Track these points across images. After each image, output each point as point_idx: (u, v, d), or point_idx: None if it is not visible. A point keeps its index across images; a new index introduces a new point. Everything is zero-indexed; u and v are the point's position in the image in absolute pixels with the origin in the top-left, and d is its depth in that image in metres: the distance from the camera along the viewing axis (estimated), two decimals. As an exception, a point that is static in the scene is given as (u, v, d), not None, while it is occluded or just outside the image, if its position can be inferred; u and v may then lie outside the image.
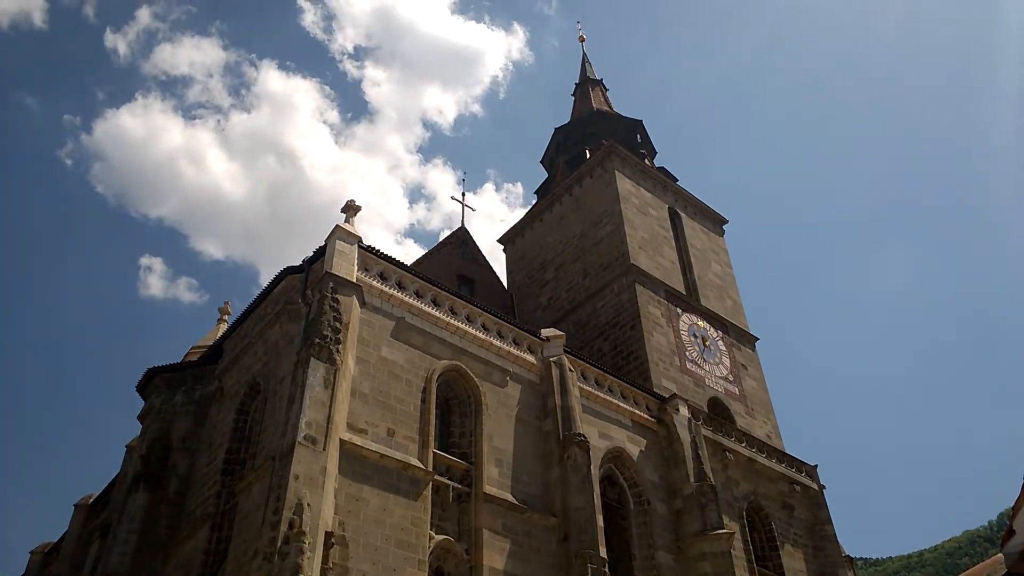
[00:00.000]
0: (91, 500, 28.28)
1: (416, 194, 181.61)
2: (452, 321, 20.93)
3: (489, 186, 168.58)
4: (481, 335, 21.43)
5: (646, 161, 38.64)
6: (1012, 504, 5.19)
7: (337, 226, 19.91)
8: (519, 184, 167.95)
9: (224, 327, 26.14)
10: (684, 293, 32.36)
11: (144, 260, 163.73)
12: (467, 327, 21.22)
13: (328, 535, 15.16)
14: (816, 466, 29.01)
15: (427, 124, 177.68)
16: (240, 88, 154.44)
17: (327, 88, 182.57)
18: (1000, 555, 4.70)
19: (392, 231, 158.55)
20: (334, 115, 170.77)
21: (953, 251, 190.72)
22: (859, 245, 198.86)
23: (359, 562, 15.80)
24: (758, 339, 33.75)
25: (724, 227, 38.65)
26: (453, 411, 20.42)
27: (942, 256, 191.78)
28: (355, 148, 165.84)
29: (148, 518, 19.31)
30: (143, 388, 22.35)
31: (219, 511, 18.38)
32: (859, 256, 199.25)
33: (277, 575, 13.65)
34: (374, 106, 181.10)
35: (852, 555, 28.64)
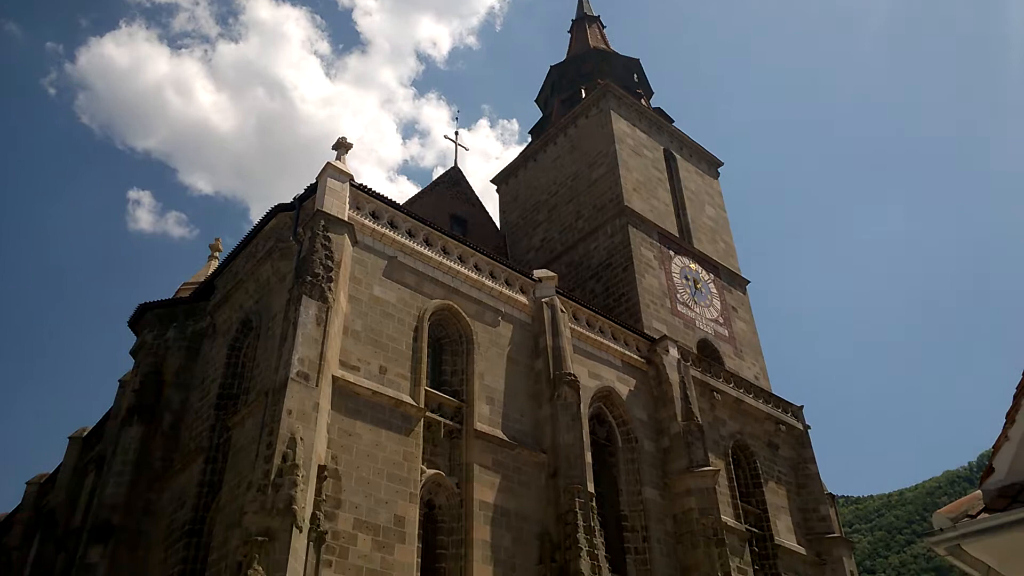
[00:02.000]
0: (85, 433, 28.60)
1: (410, 130, 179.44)
2: (444, 261, 20.91)
3: (484, 122, 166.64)
4: (473, 275, 21.45)
5: (642, 101, 38.15)
6: (991, 446, 5.30)
7: (328, 163, 19.70)
8: (514, 121, 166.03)
9: (215, 264, 26.05)
10: (677, 235, 32.37)
11: (132, 193, 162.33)
12: (459, 267, 21.22)
13: (321, 468, 15.42)
14: (802, 407, 29.52)
15: (421, 56, 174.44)
16: (228, 16, 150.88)
17: (318, 17, 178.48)
18: (978, 492, 4.82)
19: (385, 168, 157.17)
20: (325, 46, 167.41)
21: (950, 197, 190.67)
22: (857, 189, 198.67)
23: (352, 494, 16.11)
24: (749, 282, 33.95)
25: (719, 169, 38.45)
26: (445, 350, 20.57)
27: (939, 202, 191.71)
28: (347, 80, 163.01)
29: (142, 450, 19.58)
30: (135, 323, 22.38)
31: (213, 444, 18.63)
32: (856, 200, 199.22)
33: (271, 506, 13.92)
34: (366, 37, 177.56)
35: (834, 493, 29.37)
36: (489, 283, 21.74)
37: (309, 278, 17.04)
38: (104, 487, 19.31)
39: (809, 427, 29.15)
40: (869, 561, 79.90)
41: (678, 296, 29.89)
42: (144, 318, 22.05)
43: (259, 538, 13.43)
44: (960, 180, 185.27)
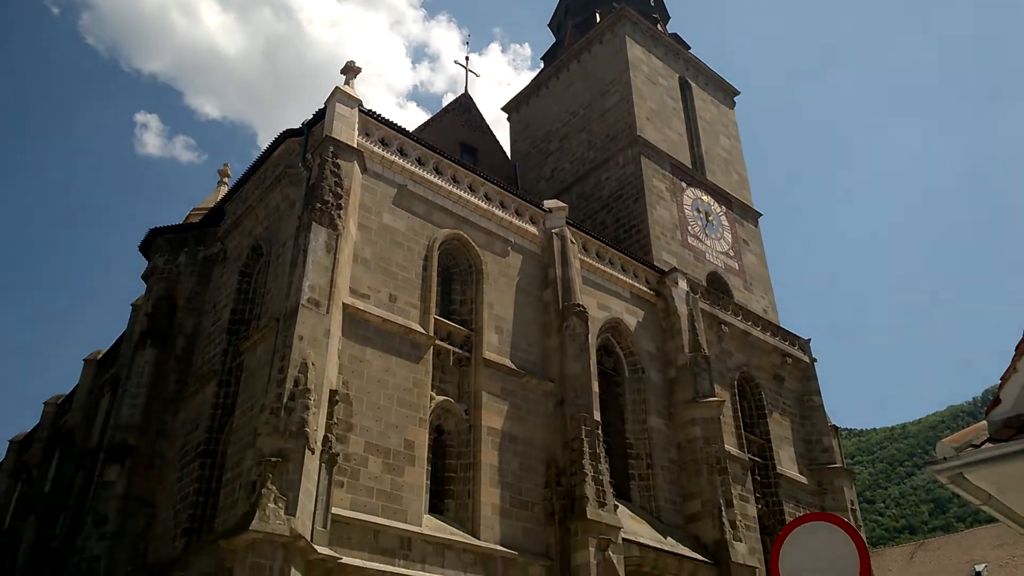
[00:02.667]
0: (99, 356, 29.10)
1: (419, 54, 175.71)
2: (454, 190, 20.78)
3: (495, 47, 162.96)
4: (483, 205, 21.34)
5: (658, 27, 37.15)
6: (997, 380, 5.31)
7: (337, 88, 19.40)
8: (527, 45, 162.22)
9: (224, 189, 25.98)
10: (690, 167, 31.95)
11: (139, 117, 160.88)
12: (469, 196, 21.10)
13: (332, 393, 15.69)
14: (809, 340, 29.67)
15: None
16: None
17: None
18: (983, 422, 4.86)
19: (394, 93, 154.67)
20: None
21: (969, 128, 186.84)
22: (874, 118, 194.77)
23: (363, 419, 16.43)
24: (761, 215, 33.67)
25: (735, 99, 37.67)
26: (454, 279, 20.64)
27: (958, 132, 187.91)
28: (354, 0, 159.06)
29: (156, 373, 19.94)
30: (146, 248, 22.50)
31: (225, 368, 18.93)
32: (872, 130, 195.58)
33: (284, 429, 14.22)
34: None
35: (837, 425, 29.75)
36: (499, 213, 21.64)
37: (319, 205, 17.01)
38: (119, 408, 19.74)
39: (815, 360, 29.36)
40: (869, 492, 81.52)
41: (689, 228, 29.71)
42: (155, 243, 22.15)
43: (273, 459, 13.76)
44: (984, 109, 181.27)
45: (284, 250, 17.92)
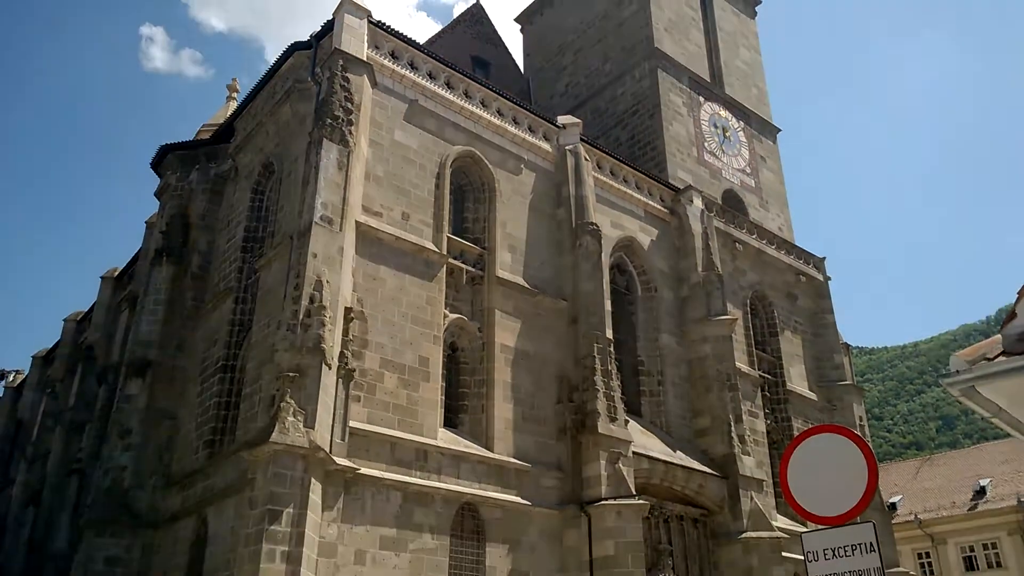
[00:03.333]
0: (116, 273, 29.42)
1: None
2: (466, 105, 20.41)
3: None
4: (496, 121, 20.98)
5: (677, -68, 35.57)
6: (1011, 301, 5.26)
7: (345, -1, 18.85)
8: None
9: (233, 105, 25.64)
10: (708, 80, 31.14)
11: (144, 29, 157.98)
12: (482, 112, 20.73)
13: (347, 310, 15.84)
14: (824, 259, 29.54)
15: None
16: None
17: None
18: (997, 336, 4.85)
19: (403, 3, 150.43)
20: None
21: (996, 43, 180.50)
22: (900, 30, 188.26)
23: (377, 336, 16.64)
24: (780, 131, 32.99)
25: (756, 8, 36.36)
26: (467, 197, 20.50)
27: (982, 46, 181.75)
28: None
29: (173, 290, 20.16)
30: (157, 165, 22.41)
31: (241, 285, 19.09)
32: (895, 42, 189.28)
33: (301, 345, 14.44)
34: None
35: (849, 343, 29.90)
36: (512, 129, 21.30)
37: (329, 121, 16.78)
38: (139, 325, 20.05)
39: (829, 278, 29.29)
40: (878, 409, 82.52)
41: (705, 145, 29.20)
42: (166, 160, 22.05)
43: (290, 374, 14.02)
44: (1013, 20, 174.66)
45: (296, 167, 17.80)
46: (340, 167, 16.56)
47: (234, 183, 21.34)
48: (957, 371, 4.63)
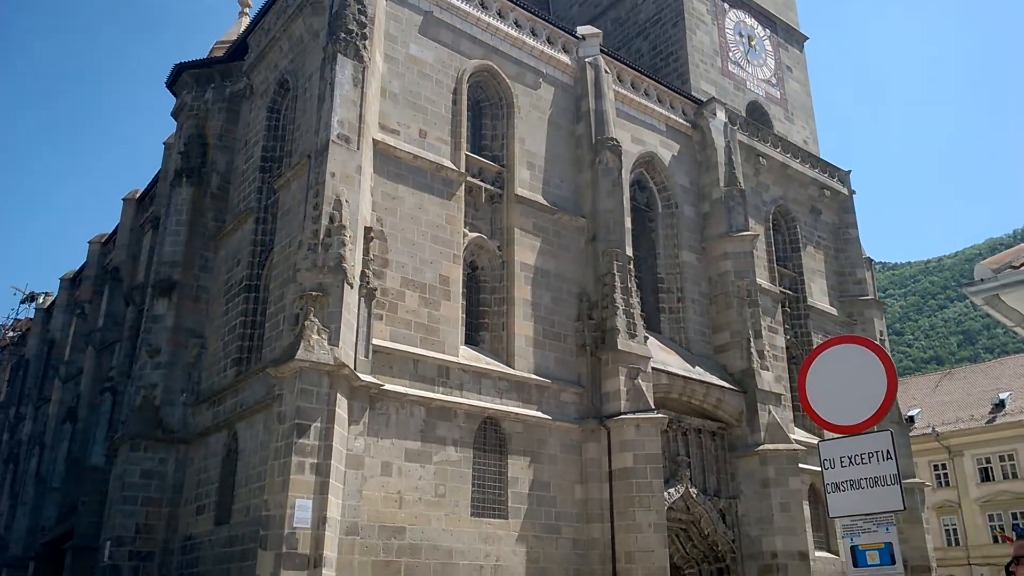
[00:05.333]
0: (138, 195, 29.56)
1: None
2: (483, 16, 19.86)
3: None
4: (513, 32, 20.43)
5: None
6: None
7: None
8: None
9: (246, 21, 25.11)
10: (733, -15, 29.94)
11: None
12: (498, 23, 20.18)
13: (367, 230, 15.88)
14: (849, 172, 28.98)
15: None
16: None
17: None
18: (1023, 245, 4.76)
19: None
20: None
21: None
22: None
23: (398, 255, 16.71)
24: (808, 38, 31.88)
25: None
26: (485, 114, 20.18)
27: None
28: None
29: (194, 211, 20.26)
30: (172, 85, 22.18)
31: (261, 206, 19.14)
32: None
33: (322, 264, 14.55)
34: None
35: (872, 258, 29.61)
36: (530, 41, 20.75)
37: (343, 35, 16.43)
38: (162, 246, 20.26)
39: (854, 192, 28.81)
40: (899, 324, 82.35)
41: (730, 55, 28.32)
42: (181, 79, 21.81)
43: (313, 293, 14.18)
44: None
45: (311, 84, 17.55)
46: (355, 83, 16.30)
47: (250, 101, 21.13)
48: (981, 279, 4.57)
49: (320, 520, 12.99)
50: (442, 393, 16.19)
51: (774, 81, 29.60)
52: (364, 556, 14.15)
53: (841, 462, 4.99)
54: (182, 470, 18.28)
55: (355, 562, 13.85)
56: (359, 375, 14.56)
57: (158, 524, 17.69)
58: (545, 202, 19.62)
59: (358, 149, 15.95)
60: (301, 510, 12.83)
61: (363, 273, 15.35)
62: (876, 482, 4.81)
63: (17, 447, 35.04)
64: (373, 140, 16.70)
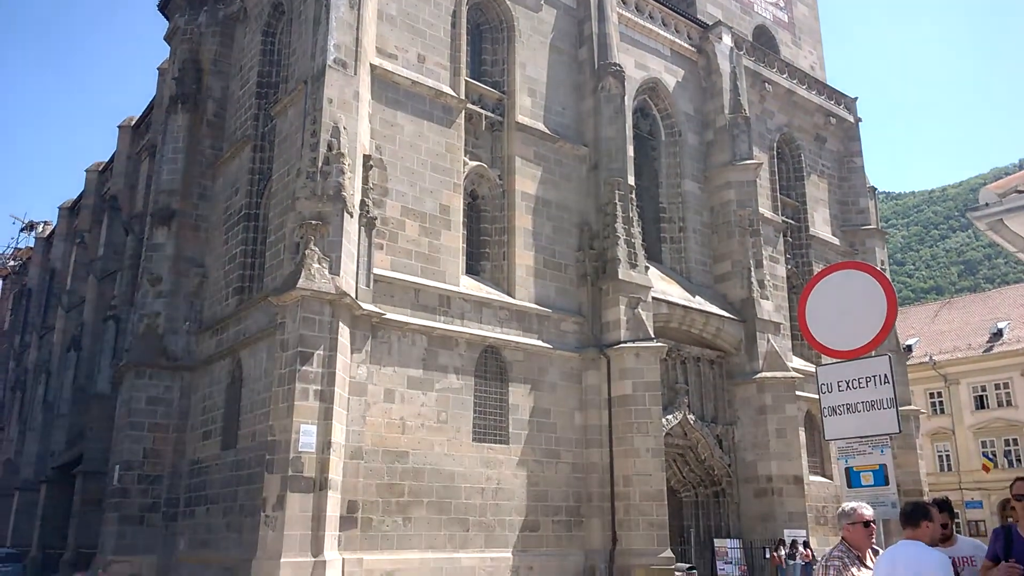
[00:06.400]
0: (133, 122, 29.16)
1: None
2: (483, -65, 19.19)
3: None
4: (514, -49, 19.76)
5: None
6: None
7: None
8: None
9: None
10: (742, -96, 28.86)
11: None
12: (499, -58, 19.50)
13: (366, 158, 15.70)
14: (856, 99, 28.48)
15: None
16: None
17: None
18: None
19: None
20: None
21: None
22: None
23: (397, 184, 16.56)
24: (817, -40, 30.91)
25: None
26: (485, 38, 19.70)
27: None
28: None
29: (191, 138, 20.02)
30: (165, 7, 21.62)
31: (258, 133, 18.88)
32: None
33: (321, 192, 14.44)
34: None
35: (875, 187, 29.35)
36: (531, -39, 20.10)
37: (337, -46, 15.91)
38: (159, 174, 20.09)
39: (860, 120, 28.38)
40: (900, 254, 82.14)
41: (737, -23, 27.48)
42: (173, 1, 21.24)
43: (313, 222, 14.12)
44: None
45: (305, 7, 17.08)
46: (352, 5, 15.88)
47: (244, 25, 20.61)
48: (986, 204, 4.52)
49: (325, 445, 13.24)
50: (443, 322, 16.29)
51: (782, 4, 28.84)
52: (368, 479, 14.48)
53: (839, 386, 5.03)
54: (187, 397, 18.55)
55: (360, 485, 14.18)
56: (360, 304, 14.62)
57: (165, 449, 18.07)
58: (546, 130, 19.34)
59: (355, 74, 15.64)
60: (306, 435, 13.07)
61: (363, 202, 15.26)
62: (873, 405, 4.85)
63: (24, 375, 35.52)
64: (371, 65, 16.37)
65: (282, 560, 12.38)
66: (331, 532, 13.17)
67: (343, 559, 13.50)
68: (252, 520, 14.09)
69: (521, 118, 18.94)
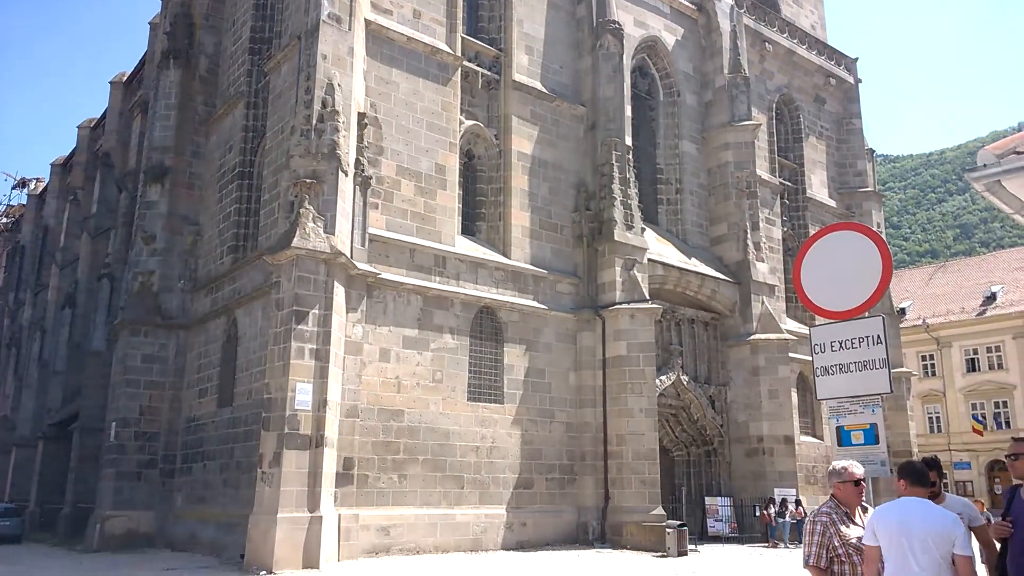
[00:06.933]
0: (125, 78, 28.73)
1: None
2: None
3: None
4: (512, -96, 19.34)
5: None
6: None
7: None
8: None
9: None
10: None
11: None
12: None
13: (361, 115, 15.53)
14: (856, 59, 28.21)
15: None
16: None
17: None
18: (1029, 134, 4.65)
19: None
20: None
21: None
22: None
23: (393, 142, 16.42)
24: (820, -83, 30.32)
25: None
26: (482, -7, 19.39)
27: None
28: None
29: (183, 95, 19.76)
30: (155, -39, 21.16)
31: (252, 90, 18.64)
32: None
33: (316, 150, 14.31)
34: None
35: (873, 149, 29.21)
36: (530, -85, 19.69)
37: (332, -94, 15.55)
38: (152, 131, 19.87)
39: (860, 81, 28.14)
40: (896, 218, 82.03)
41: (739, -67, 26.96)
42: (163, -46, 20.80)
43: (307, 180, 14.01)
44: None
45: (299, -40, 16.73)
46: (345, -43, 15.56)
47: (236, -21, 20.21)
48: (984, 164, 4.48)
49: (320, 403, 13.33)
50: (439, 283, 16.29)
51: (784, -39, 28.32)
52: (364, 437, 14.61)
53: (831, 346, 5.04)
54: (183, 355, 18.60)
55: (355, 443, 14.31)
56: (356, 264, 14.59)
57: (161, 406, 18.17)
58: (544, 89, 19.14)
59: (350, 30, 15.40)
60: (302, 393, 13.13)
61: (358, 161, 15.14)
62: (865, 366, 4.87)
63: (18, 332, 35.50)
64: (365, 20, 16.11)
65: (279, 516, 12.53)
66: (327, 488, 13.32)
67: (339, 515, 13.67)
68: (249, 476, 14.24)
69: (518, 76, 18.73)
